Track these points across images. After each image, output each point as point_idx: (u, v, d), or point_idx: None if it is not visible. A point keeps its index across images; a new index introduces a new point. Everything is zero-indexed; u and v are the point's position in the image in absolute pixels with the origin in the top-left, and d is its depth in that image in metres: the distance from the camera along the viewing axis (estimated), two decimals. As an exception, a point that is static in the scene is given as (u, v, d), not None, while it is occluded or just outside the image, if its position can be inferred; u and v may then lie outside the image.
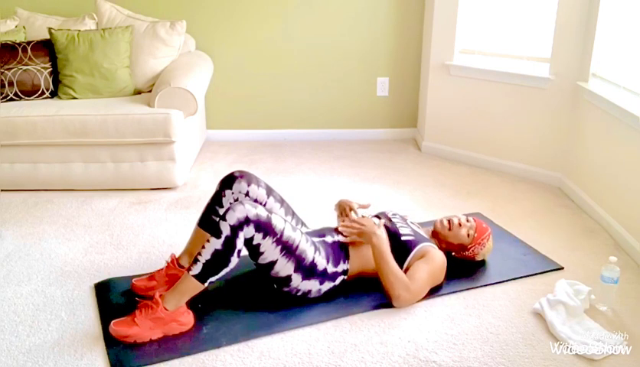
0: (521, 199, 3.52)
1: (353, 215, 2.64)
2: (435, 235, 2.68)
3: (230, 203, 2.44)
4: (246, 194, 2.46)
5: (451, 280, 2.56)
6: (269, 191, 2.54)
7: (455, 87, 4.09)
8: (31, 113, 3.44)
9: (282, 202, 2.57)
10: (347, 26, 4.44)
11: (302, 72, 4.53)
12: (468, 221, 2.66)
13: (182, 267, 2.47)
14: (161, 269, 2.50)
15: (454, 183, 3.78)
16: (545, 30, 3.64)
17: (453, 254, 2.70)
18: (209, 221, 2.48)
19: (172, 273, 2.46)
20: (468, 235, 2.63)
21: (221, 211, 2.44)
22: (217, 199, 2.49)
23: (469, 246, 2.65)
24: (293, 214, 2.59)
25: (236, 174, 2.50)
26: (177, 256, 2.52)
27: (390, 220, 2.61)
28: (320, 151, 4.38)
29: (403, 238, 2.51)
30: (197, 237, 2.51)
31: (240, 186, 2.47)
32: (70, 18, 4.05)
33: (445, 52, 4.07)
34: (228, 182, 2.49)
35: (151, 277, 2.49)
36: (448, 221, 2.65)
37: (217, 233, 2.16)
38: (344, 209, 2.70)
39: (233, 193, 2.46)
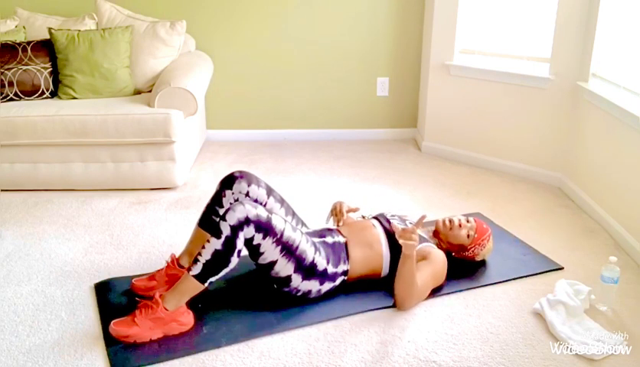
0: (521, 199, 3.52)
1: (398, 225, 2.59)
2: (437, 235, 2.69)
3: (231, 203, 2.44)
4: (247, 194, 2.46)
5: (451, 281, 2.56)
6: (270, 191, 2.54)
7: (455, 87, 4.09)
8: (31, 113, 3.44)
9: (282, 202, 2.57)
10: (347, 26, 4.44)
11: (302, 72, 4.53)
12: (468, 221, 2.66)
13: (182, 267, 2.47)
14: (162, 269, 2.50)
15: (454, 183, 3.78)
16: (545, 30, 3.64)
17: (453, 254, 2.70)
18: (209, 221, 2.48)
19: (172, 273, 2.46)
20: (468, 236, 2.63)
21: (221, 211, 2.44)
22: (217, 200, 2.49)
23: (469, 247, 2.65)
24: (293, 214, 2.59)
25: (237, 174, 2.50)
26: (177, 256, 2.52)
27: (388, 221, 2.61)
28: (320, 151, 4.38)
29: (402, 238, 2.51)
30: (197, 237, 2.50)
31: (240, 186, 2.47)
32: (70, 18, 4.05)
33: (445, 52, 4.07)
34: (228, 182, 2.49)
35: (151, 277, 2.49)
36: (449, 221, 2.65)
37: (217, 233, 2.17)
38: (335, 208, 2.72)
39: (233, 194, 2.46)
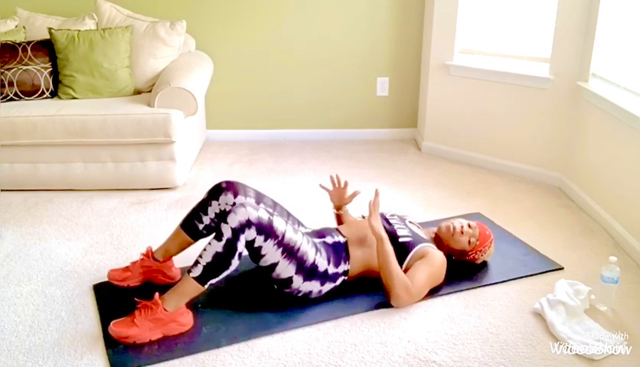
0: (521, 200, 3.52)
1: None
2: (437, 239, 2.67)
3: (231, 207, 2.44)
4: (233, 205, 2.45)
5: (451, 281, 2.56)
6: (259, 198, 2.52)
7: (455, 87, 4.09)
8: (31, 113, 3.44)
9: (274, 206, 2.55)
10: (348, 26, 4.44)
11: (302, 72, 4.53)
12: (470, 227, 2.64)
13: (157, 260, 2.53)
14: (137, 261, 2.56)
15: (454, 183, 3.78)
16: (545, 30, 3.64)
17: (453, 257, 2.68)
18: (191, 224, 2.51)
19: (147, 265, 2.52)
20: (470, 242, 2.62)
21: (205, 218, 2.48)
22: (202, 207, 2.50)
23: (470, 252, 2.64)
24: (289, 215, 2.58)
25: (223, 185, 2.49)
26: (153, 250, 2.56)
27: (387, 221, 2.61)
28: (320, 151, 4.38)
29: (400, 239, 2.50)
30: (176, 236, 2.55)
31: (226, 198, 2.46)
32: (70, 18, 4.05)
33: (445, 52, 4.07)
34: (215, 193, 2.49)
35: (126, 268, 2.55)
36: (452, 227, 2.63)
37: (218, 235, 2.17)
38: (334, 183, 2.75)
39: (219, 205, 2.47)
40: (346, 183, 2.73)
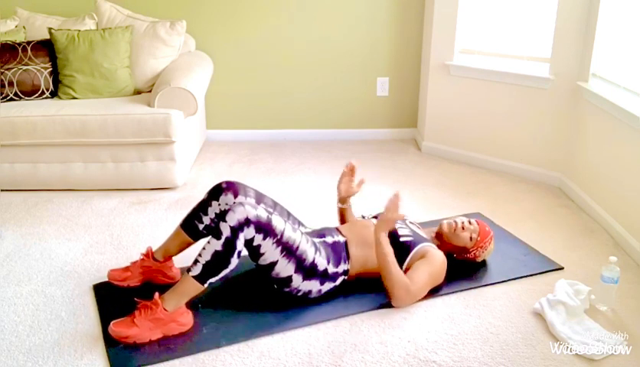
0: (521, 200, 3.52)
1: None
2: (439, 237, 2.68)
3: (230, 205, 2.44)
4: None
5: (451, 281, 2.56)
6: (259, 198, 2.53)
7: (455, 87, 4.09)
8: (31, 113, 3.44)
9: (274, 206, 2.56)
10: (348, 26, 4.44)
11: (302, 72, 4.53)
12: (470, 224, 2.65)
13: (157, 260, 2.53)
14: (137, 261, 2.56)
15: (454, 183, 3.78)
16: (545, 30, 3.64)
17: (455, 256, 2.69)
18: (191, 225, 2.52)
19: (147, 265, 2.53)
20: (471, 239, 2.63)
21: (205, 218, 2.48)
22: (202, 207, 2.51)
23: (471, 249, 2.65)
24: (289, 215, 2.59)
25: (224, 186, 2.50)
26: (153, 250, 2.56)
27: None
28: (320, 151, 4.38)
29: (401, 239, 2.51)
30: (176, 237, 2.55)
31: (226, 198, 2.46)
32: (70, 18, 4.05)
33: (445, 52, 4.07)
34: (215, 193, 2.49)
35: (126, 268, 2.56)
36: (453, 223, 2.64)
37: (217, 234, 2.17)
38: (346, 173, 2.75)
39: (219, 205, 2.47)
40: (353, 170, 2.73)
